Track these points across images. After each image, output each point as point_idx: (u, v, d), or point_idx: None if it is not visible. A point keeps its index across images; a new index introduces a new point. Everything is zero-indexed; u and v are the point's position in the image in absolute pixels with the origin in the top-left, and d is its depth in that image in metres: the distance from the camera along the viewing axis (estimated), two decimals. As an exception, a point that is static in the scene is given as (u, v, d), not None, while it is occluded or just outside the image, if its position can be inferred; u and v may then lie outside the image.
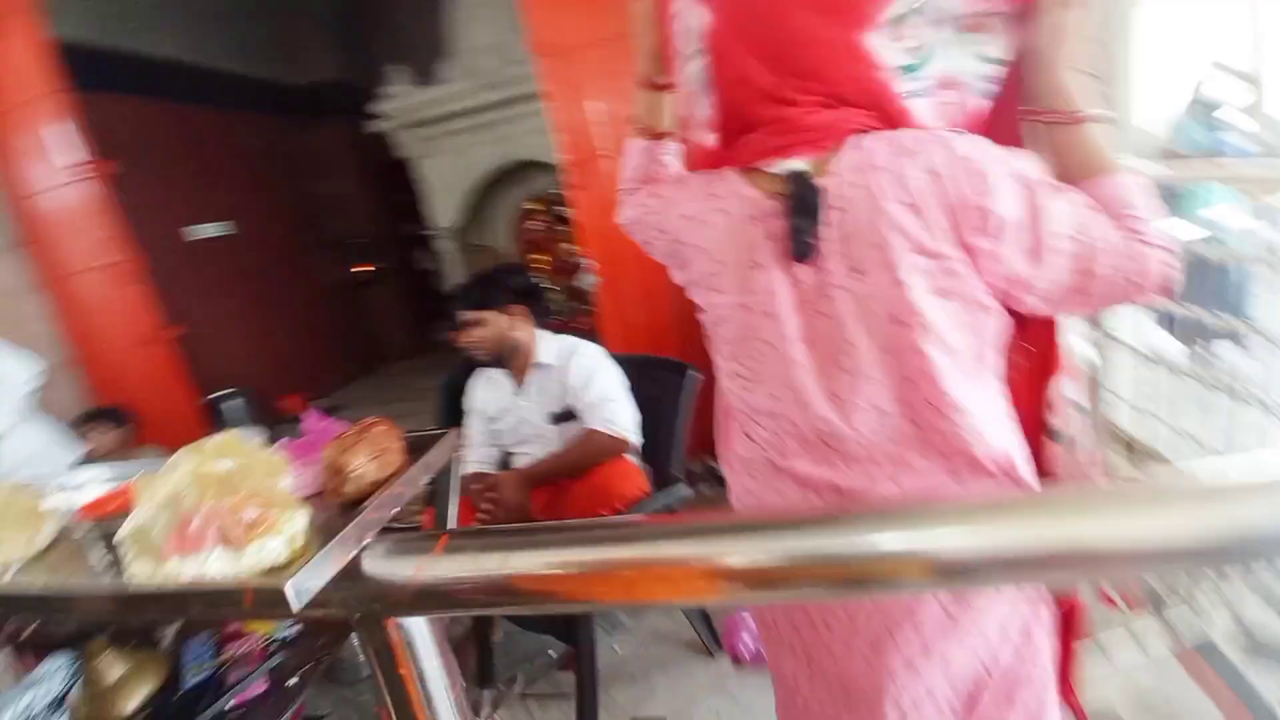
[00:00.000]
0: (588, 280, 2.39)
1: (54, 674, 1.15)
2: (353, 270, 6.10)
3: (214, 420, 3.76)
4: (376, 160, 6.06)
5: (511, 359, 1.73)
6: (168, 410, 2.98)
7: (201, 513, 0.59)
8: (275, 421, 4.77)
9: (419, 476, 0.78)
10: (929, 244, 0.63)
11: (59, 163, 2.71)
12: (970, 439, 0.65)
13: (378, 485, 0.76)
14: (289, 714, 1.14)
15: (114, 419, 2.74)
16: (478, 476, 1.81)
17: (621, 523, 0.58)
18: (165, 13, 4.50)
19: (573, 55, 2.22)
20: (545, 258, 5.60)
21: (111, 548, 0.72)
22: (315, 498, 0.80)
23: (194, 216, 4.56)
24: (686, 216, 0.78)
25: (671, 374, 1.87)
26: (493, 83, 4.46)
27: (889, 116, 0.69)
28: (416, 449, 0.87)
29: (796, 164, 0.69)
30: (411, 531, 0.71)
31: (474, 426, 1.86)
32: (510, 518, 1.58)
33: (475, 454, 1.86)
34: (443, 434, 0.88)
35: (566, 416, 1.74)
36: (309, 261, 5.69)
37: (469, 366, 2.10)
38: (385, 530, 0.68)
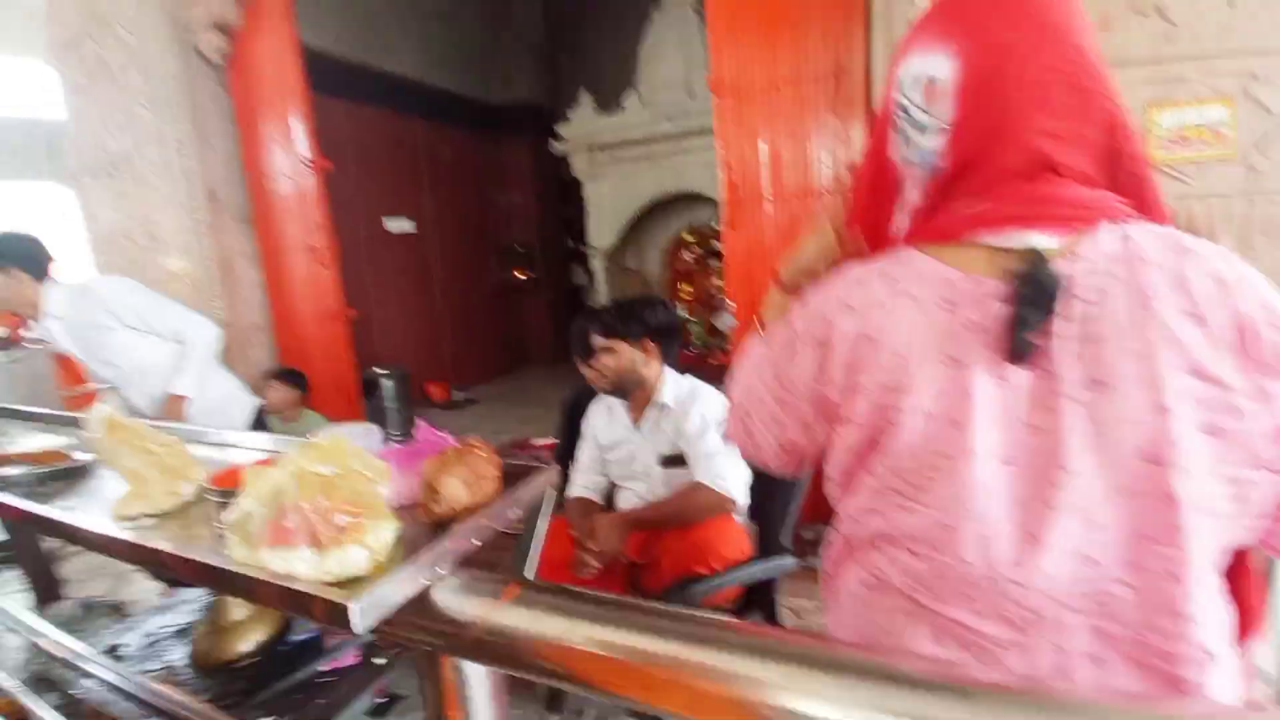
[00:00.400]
0: (726, 321, 2.32)
1: (184, 605, 1.29)
2: (511, 276, 6.52)
3: (367, 393, 4.15)
4: (550, 178, 6.50)
5: (633, 393, 1.71)
6: (333, 380, 3.34)
7: (298, 510, 0.61)
8: (419, 403, 5.22)
9: (507, 510, 0.77)
10: (1209, 366, 0.50)
11: (292, 154, 3.17)
12: (1189, 653, 0.50)
13: (468, 510, 0.75)
14: (372, 688, 1.17)
15: (291, 380, 3.11)
16: (581, 503, 1.81)
17: (711, 621, 0.51)
18: (400, 33, 5.18)
19: (748, 96, 2.20)
20: (691, 289, 5.65)
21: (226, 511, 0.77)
22: (408, 509, 0.81)
23: (386, 211, 5.13)
24: (852, 305, 0.63)
25: None
26: (669, 115, 4.60)
27: (1147, 207, 0.57)
28: (513, 478, 0.86)
29: (1036, 239, 0.56)
30: (488, 571, 0.69)
31: (586, 451, 1.87)
32: (603, 559, 1.56)
33: (583, 479, 1.86)
34: (540, 469, 0.86)
35: (677, 461, 1.69)
36: (475, 263, 6.18)
37: (592, 389, 2.13)
38: (466, 562, 0.67)
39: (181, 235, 3.13)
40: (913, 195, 0.65)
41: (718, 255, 5.48)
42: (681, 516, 1.58)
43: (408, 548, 0.69)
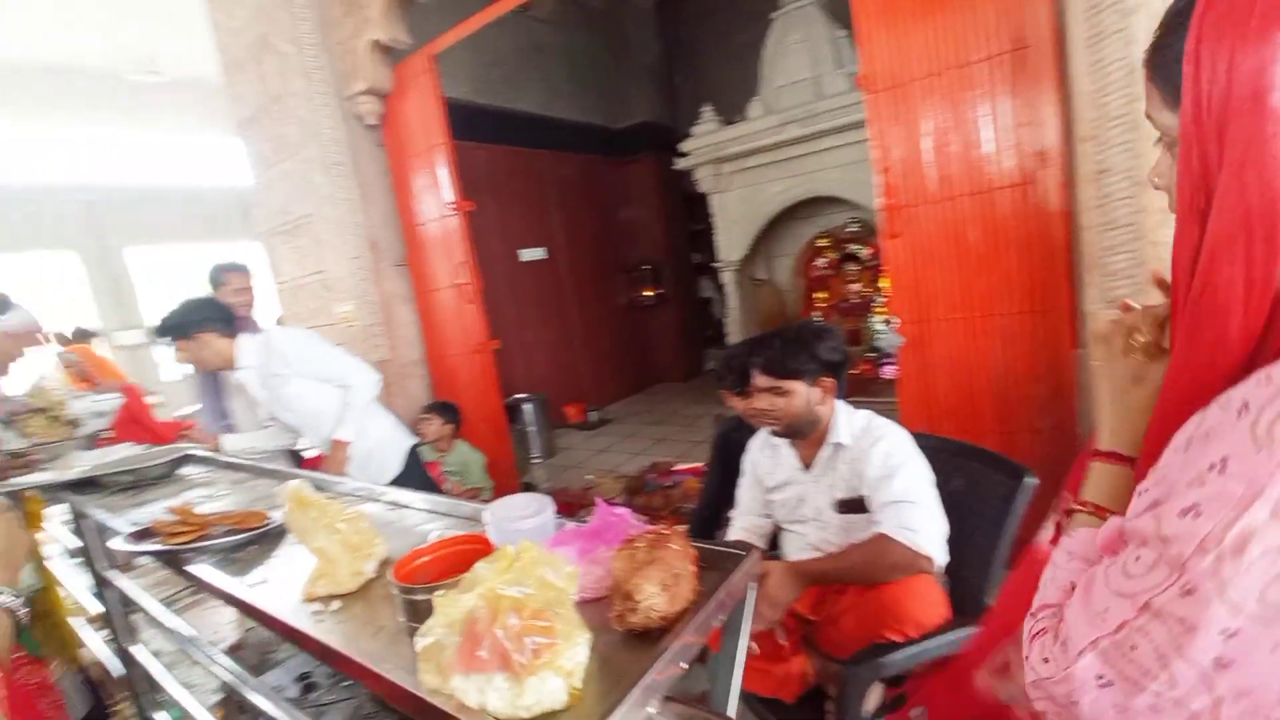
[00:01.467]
0: (890, 340, 2.09)
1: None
2: (639, 294, 6.56)
3: (510, 419, 4.33)
4: (674, 194, 6.47)
5: (807, 434, 1.55)
6: (481, 409, 3.48)
7: (490, 635, 0.54)
8: (557, 425, 5.36)
9: (712, 618, 0.65)
10: None
11: (438, 199, 3.35)
12: None
13: (667, 619, 0.65)
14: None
15: (445, 414, 3.27)
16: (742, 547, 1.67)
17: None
18: (525, 73, 5.40)
19: (904, 87, 1.98)
20: (827, 296, 5.35)
21: (411, 611, 0.73)
22: (596, 604, 0.73)
23: (520, 243, 5.34)
24: None
25: (995, 473, 1.51)
26: (797, 117, 4.38)
27: None
28: (709, 564, 0.75)
29: None
30: (700, 707, 0.58)
31: (747, 490, 1.73)
32: (771, 613, 1.40)
33: (744, 520, 1.72)
34: (739, 556, 0.74)
35: (855, 506, 1.50)
36: (604, 285, 6.28)
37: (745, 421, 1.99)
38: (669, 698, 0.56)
39: (349, 282, 3.41)
40: None
41: (854, 259, 5.14)
42: (866, 574, 1.39)
43: (608, 671, 0.59)
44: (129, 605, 1.58)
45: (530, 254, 5.42)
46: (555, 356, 5.63)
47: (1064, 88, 1.76)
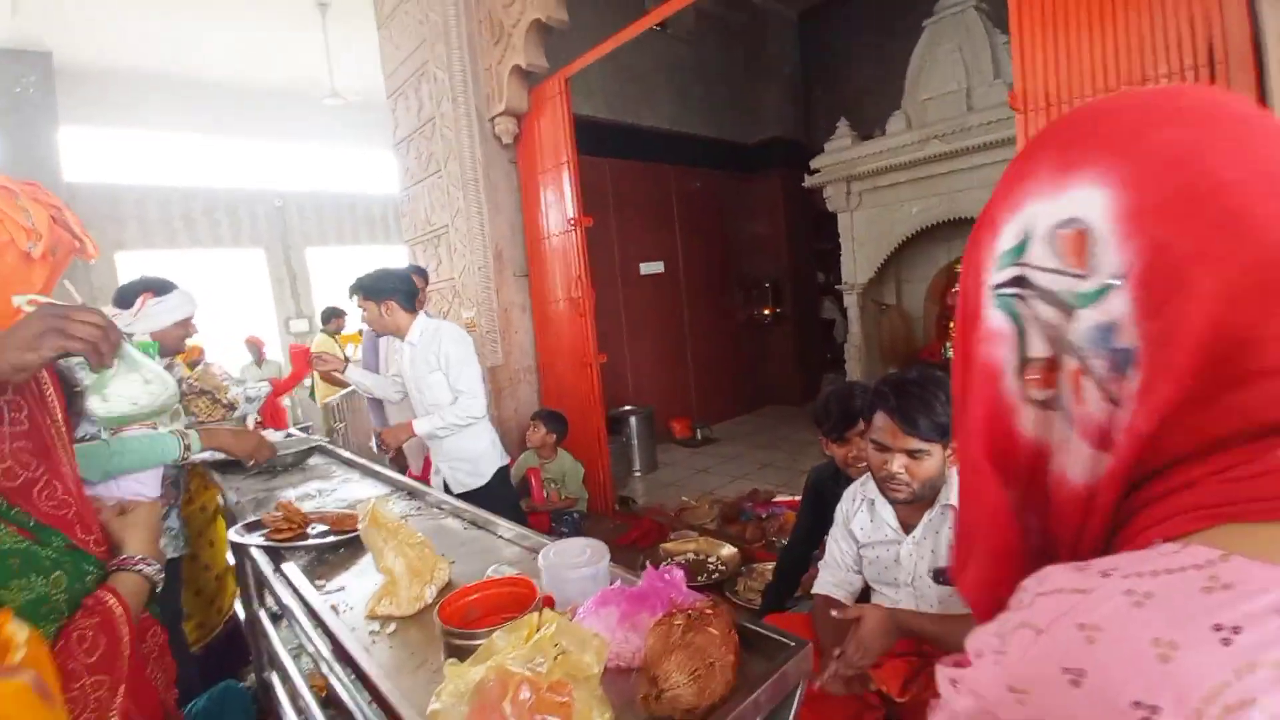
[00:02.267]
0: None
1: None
2: (757, 312, 6.42)
3: (614, 430, 4.39)
4: (801, 212, 6.28)
5: (926, 500, 1.42)
6: (582, 420, 3.56)
7: (498, 711, 0.52)
8: (662, 439, 5.36)
9: (746, 716, 0.60)
10: None
11: (561, 214, 3.48)
12: None
13: (693, 712, 0.61)
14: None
15: (552, 423, 3.38)
16: (830, 604, 1.55)
17: None
18: (657, 88, 5.49)
19: (1066, 109, 1.75)
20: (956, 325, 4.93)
21: (452, 651, 0.73)
22: (626, 675, 0.69)
23: (640, 255, 5.42)
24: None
25: None
26: (941, 133, 4.08)
27: None
28: (753, 648, 0.69)
29: None
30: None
31: (837, 543, 1.61)
32: (861, 659, 1.28)
33: (833, 576, 1.60)
34: (790, 649, 0.68)
35: (946, 575, 1.35)
36: (721, 301, 6.21)
37: (841, 471, 1.86)
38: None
39: (475, 289, 3.63)
40: (1095, 410, 0.37)
41: (999, 288, 4.70)
42: (955, 644, 1.24)
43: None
44: (261, 575, 1.78)
45: (649, 267, 5.48)
46: (666, 369, 5.65)
47: (1264, 102, 1.48)
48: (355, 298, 2.37)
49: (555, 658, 0.55)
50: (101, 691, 0.67)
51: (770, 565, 2.66)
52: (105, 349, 0.73)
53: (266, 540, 1.16)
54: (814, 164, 4.88)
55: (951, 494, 1.38)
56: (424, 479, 2.82)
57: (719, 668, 0.63)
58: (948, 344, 4.96)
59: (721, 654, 0.64)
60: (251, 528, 1.22)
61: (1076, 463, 0.39)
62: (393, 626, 0.87)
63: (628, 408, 4.93)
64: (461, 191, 3.57)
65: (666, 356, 5.66)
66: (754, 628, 0.71)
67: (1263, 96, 1.46)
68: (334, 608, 0.94)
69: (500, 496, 2.47)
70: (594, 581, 0.87)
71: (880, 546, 1.50)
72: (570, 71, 3.28)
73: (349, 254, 8.70)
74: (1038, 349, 0.40)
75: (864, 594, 1.60)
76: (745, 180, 6.29)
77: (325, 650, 1.18)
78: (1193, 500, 0.34)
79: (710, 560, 2.72)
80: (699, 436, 5.43)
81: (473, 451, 2.40)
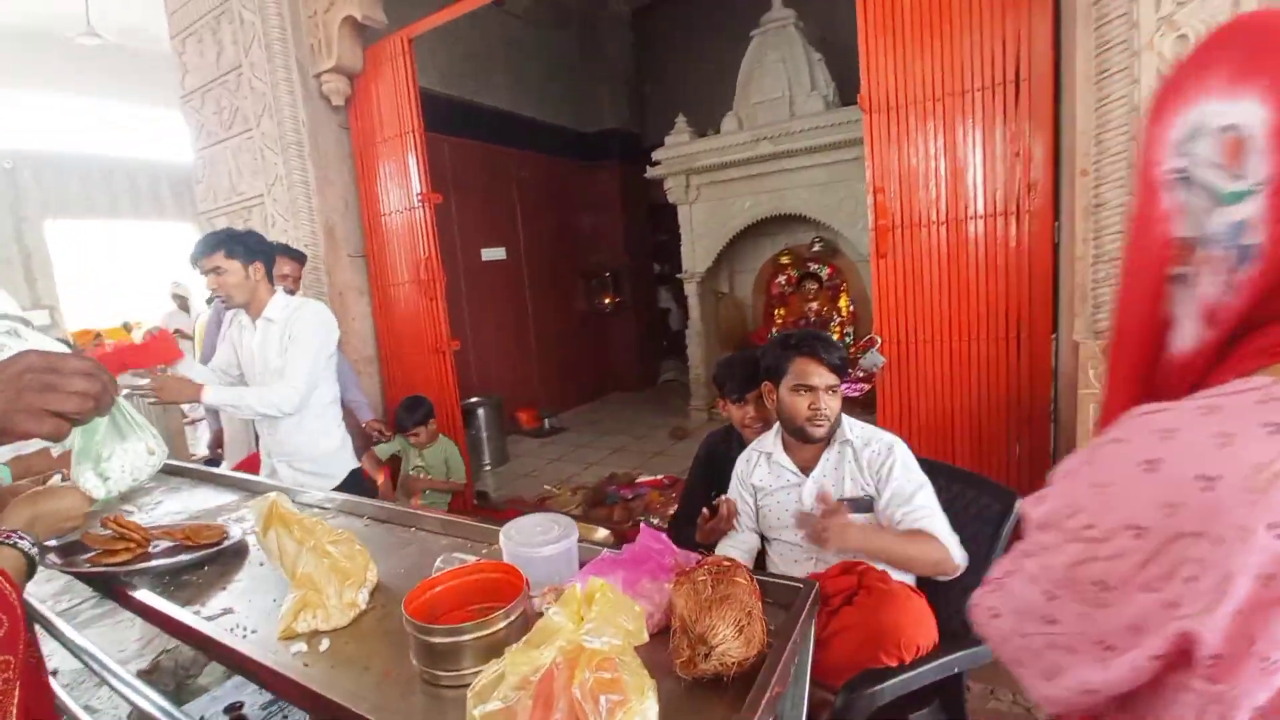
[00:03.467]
0: (872, 360, 2.08)
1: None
2: (598, 301, 6.47)
3: (466, 420, 4.15)
4: (639, 203, 6.43)
5: (828, 438, 1.56)
6: (438, 410, 3.30)
7: (567, 695, 0.44)
8: (510, 430, 5.20)
9: (789, 662, 0.58)
10: None
11: (405, 189, 3.18)
12: None
13: (742, 665, 0.57)
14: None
15: (425, 413, 3.07)
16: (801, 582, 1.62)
17: None
18: (496, 68, 5.26)
19: (903, 111, 1.99)
20: (785, 313, 5.40)
21: (427, 655, 0.61)
22: (657, 642, 0.63)
23: (481, 242, 5.18)
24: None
25: (983, 497, 1.52)
26: (769, 135, 4.41)
27: None
28: (772, 598, 0.67)
29: None
30: None
31: (739, 503, 1.67)
32: (823, 535, 1.35)
33: (732, 539, 1.66)
34: (801, 589, 0.67)
35: (862, 506, 1.49)
36: (564, 289, 6.17)
37: (730, 435, 1.94)
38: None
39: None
40: (1213, 291, 0.45)
41: (815, 278, 5.22)
42: (908, 557, 1.39)
43: (685, 732, 0.51)
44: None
45: (491, 253, 5.26)
46: (510, 359, 5.48)
47: (1056, 122, 1.80)
48: (208, 257, 1.88)
49: (617, 631, 0.48)
50: (8, 673, 0.56)
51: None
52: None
53: (96, 566, 0.89)
54: (656, 156, 5.01)
55: (849, 432, 1.54)
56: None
57: (756, 618, 0.60)
58: (774, 329, 5.42)
59: (755, 604, 0.61)
60: (69, 551, 0.93)
61: (1186, 335, 0.44)
62: (325, 643, 0.71)
63: (475, 399, 4.69)
64: (281, 156, 3.10)
65: (511, 346, 5.49)
66: (765, 579, 0.69)
67: (1056, 109, 1.77)
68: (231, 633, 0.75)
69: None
70: (566, 558, 0.79)
71: (781, 492, 1.59)
72: (415, 32, 3.00)
73: (106, 230, 7.13)
74: (1185, 230, 0.44)
75: (760, 559, 1.68)
76: (585, 169, 6.29)
77: (144, 699, 0.95)
78: (1263, 344, 0.41)
79: (584, 545, 2.68)
80: (547, 426, 5.36)
81: (319, 450, 2.07)
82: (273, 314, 1.99)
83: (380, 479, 2.71)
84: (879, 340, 2.14)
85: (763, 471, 1.63)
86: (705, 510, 1.61)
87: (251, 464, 2.37)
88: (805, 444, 1.56)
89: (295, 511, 0.80)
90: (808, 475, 1.56)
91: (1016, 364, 1.96)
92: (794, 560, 1.56)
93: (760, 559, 1.66)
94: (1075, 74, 1.62)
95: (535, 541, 0.78)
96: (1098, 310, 1.66)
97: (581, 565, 0.81)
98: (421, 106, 3.09)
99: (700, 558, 0.71)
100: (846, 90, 4.35)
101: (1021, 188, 1.88)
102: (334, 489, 2.08)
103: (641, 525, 0.77)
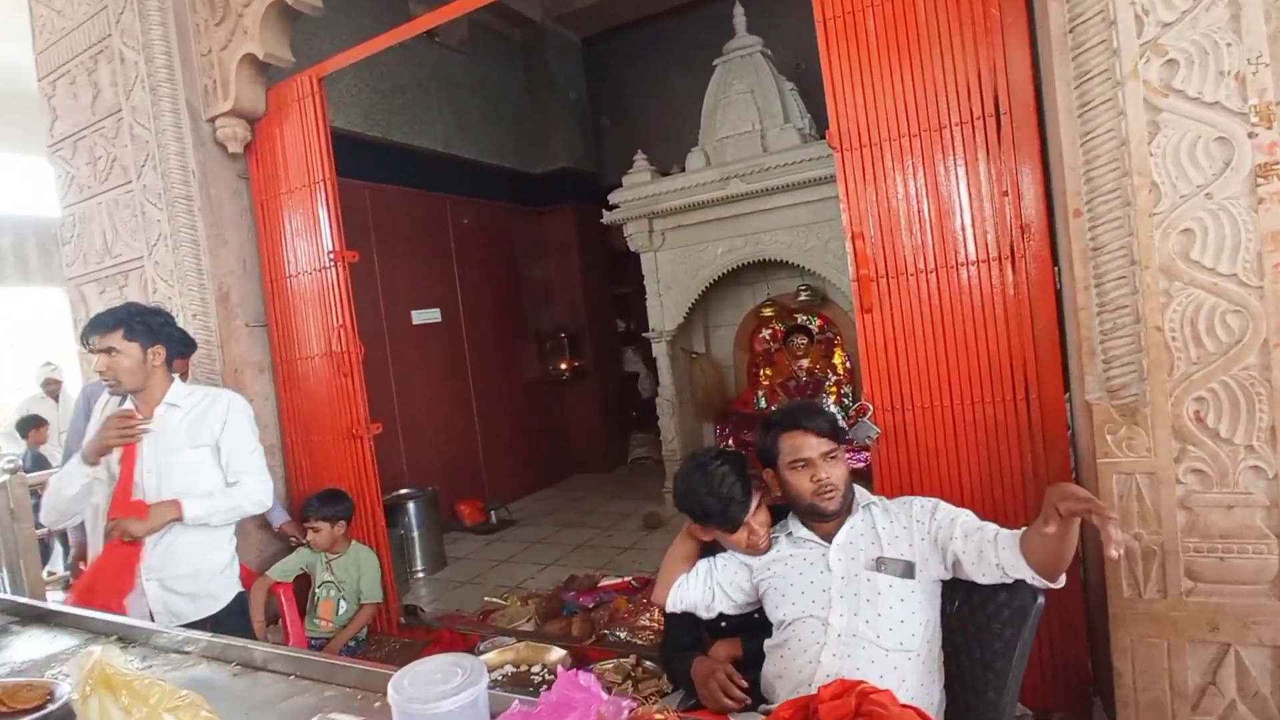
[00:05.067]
0: (865, 431, 2.11)
1: None
2: (554, 368, 6.47)
3: (389, 520, 4.02)
4: (598, 252, 6.55)
5: (844, 512, 1.68)
6: (357, 504, 3.21)
7: None
8: (448, 526, 5.07)
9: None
10: None
11: (313, 248, 3.19)
12: None
13: None
14: None
15: (340, 507, 2.99)
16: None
17: None
18: (428, 105, 5.42)
19: (877, 147, 2.09)
20: (771, 374, 5.45)
21: None
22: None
23: (412, 303, 5.20)
24: None
25: (1000, 593, 1.52)
26: (741, 173, 4.57)
27: None
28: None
29: None
30: None
31: (726, 565, 1.76)
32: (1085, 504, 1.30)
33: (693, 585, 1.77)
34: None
35: (898, 571, 1.56)
36: (513, 355, 6.18)
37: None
38: None
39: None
40: None
41: (803, 331, 5.31)
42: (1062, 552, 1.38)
43: None
44: None
45: (423, 315, 5.27)
46: (449, 441, 5.42)
47: (1045, 157, 1.90)
48: (104, 335, 1.91)
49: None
50: None
51: (608, 664, 2.60)
52: None
53: None
54: (613, 199, 5.14)
55: (866, 496, 1.69)
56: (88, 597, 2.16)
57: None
58: (760, 393, 5.46)
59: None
60: None
61: None
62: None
63: (404, 491, 4.62)
64: (165, 212, 3.10)
65: (448, 425, 5.43)
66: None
67: (1042, 141, 1.87)
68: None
69: (244, 626, 2.10)
70: (474, 712, 0.75)
71: (801, 564, 1.64)
72: (326, 70, 3.08)
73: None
74: None
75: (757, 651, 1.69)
76: (534, 215, 6.43)
77: None
78: None
79: (535, 670, 2.58)
80: (494, 520, 5.27)
81: (203, 565, 1.99)
82: (176, 398, 2.03)
83: (257, 621, 2.62)
84: (870, 408, 2.16)
85: (782, 546, 1.71)
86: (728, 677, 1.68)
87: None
88: (822, 521, 1.65)
89: (126, 671, 0.75)
90: (831, 542, 1.64)
91: (1028, 430, 1.99)
92: (804, 652, 1.55)
93: (757, 651, 1.68)
94: (1057, 106, 1.72)
95: (432, 695, 0.74)
96: (1109, 365, 1.71)
97: (494, 719, 0.77)
98: (335, 152, 3.14)
99: (633, 708, 0.68)
100: (824, 122, 4.57)
101: (1015, 229, 1.96)
102: (215, 614, 2.00)
103: (559, 671, 0.74)
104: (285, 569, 2.97)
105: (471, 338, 5.70)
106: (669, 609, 1.79)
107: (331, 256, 3.14)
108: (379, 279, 4.84)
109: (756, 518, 1.69)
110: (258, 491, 2.04)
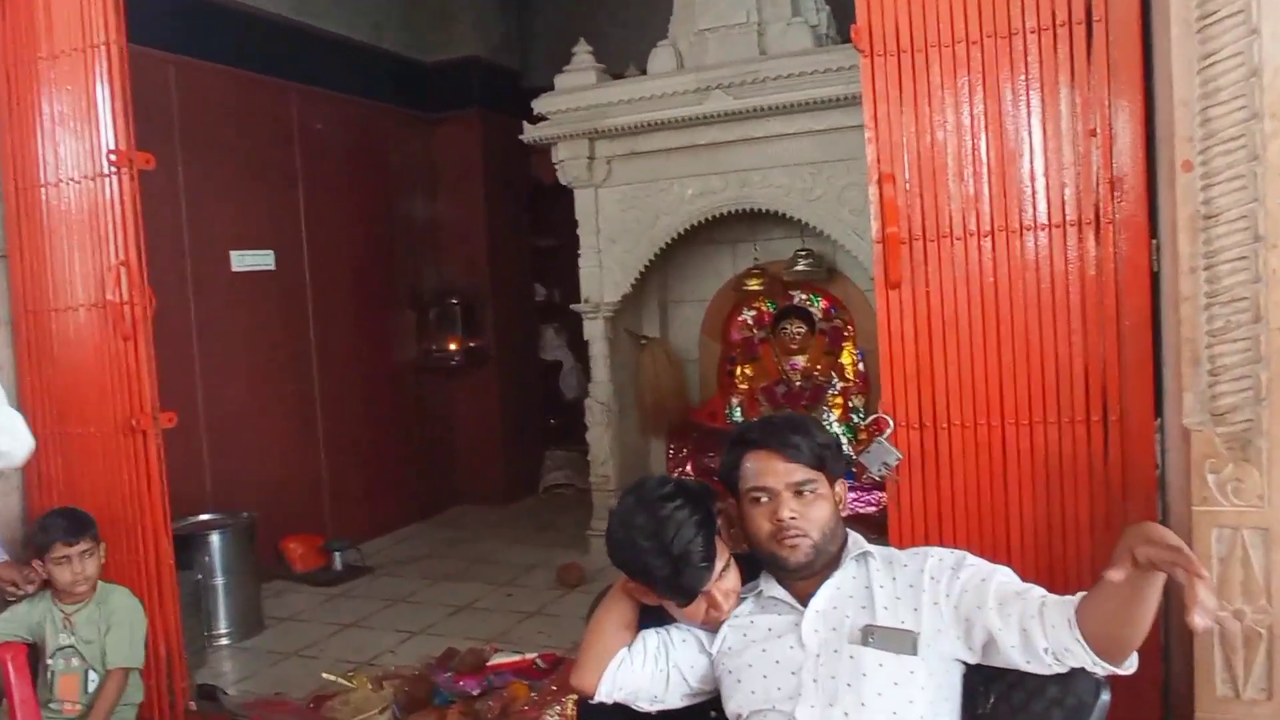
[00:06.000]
0: (884, 456, 2.16)
1: None
2: (439, 348, 6.44)
3: (181, 560, 3.92)
4: (515, 183, 6.53)
5: (824, 567, 1.68)
6: (127, 538, 3.18)
7: None
8: (273, 573, 4.99)
9: None
10: None
11: (85, 146, 3.11)
12: None
13: None
14: None
15: (80, 531, 2.91)
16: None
17: None
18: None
19: (920, 59, 2.12)
20: (752, 373, 5.50)
21: None
22: None
23: (233, 241, 5.11)
24: None
25: (1050, 686, 1.59)
26: (727, 81, 4.61)
27: None
28: None
29: None
30: None
31: (687, 667, 1.76)
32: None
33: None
34: None
35: (895, 645, 1.57)
36: (377, 325, 6.15)
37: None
38: None
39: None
40: None
41: (802, 316, 5.37)
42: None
43: None
44: None
45: (249, 259, 5.19)
46: (277, 449, 5.38)
47: (1148, 87, 1.97)
48: None
49: None
50: None
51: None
52: None
53: None
54: (539, 107, 5.13)
55: (862, 541, 1.69)
56: None
57: None
58: (735, 400, 5.51)
59: None
60: None
61: None
62: None
63: (205, 518, 4.58)
64: None
65: (278, 425, 5.39)
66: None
67: (1146, 64, 1.95)
68: None
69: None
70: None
71: (770, 637, 1.67)
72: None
73: None
74: None
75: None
76: (422, 124, 6.42)
77: None
78: None
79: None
80: (338, 566, 5.27)
81: None
82: None
83: None
84: (890, 424, 2.21)
85: (745, 611, 1.73)
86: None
87: None
88: (793, 578, 1.67)
89: None
90: (806, 605, 1.66)
91: (1103, 463, 2.06)
92: None
93: None
94: (1169, 15, 1.79)
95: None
96: (1216, 379, 1.79)
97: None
98: (128, 3, 3.06)
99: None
100: (848, 17, 4.63)
101: (1102, 184, 2.03)
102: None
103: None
104: (7, 627, 2.88)
105: (320, 297, 5.64)
106: (597, 698, 1.75)
107: (113, 160, 3.06)
108: (183, 200, 4.75)
109: (722, 583, 1.69)
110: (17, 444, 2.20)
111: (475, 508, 6.57)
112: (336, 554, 5.27)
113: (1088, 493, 2.08)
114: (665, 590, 1.66)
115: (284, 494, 5.31)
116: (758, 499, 1.65)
